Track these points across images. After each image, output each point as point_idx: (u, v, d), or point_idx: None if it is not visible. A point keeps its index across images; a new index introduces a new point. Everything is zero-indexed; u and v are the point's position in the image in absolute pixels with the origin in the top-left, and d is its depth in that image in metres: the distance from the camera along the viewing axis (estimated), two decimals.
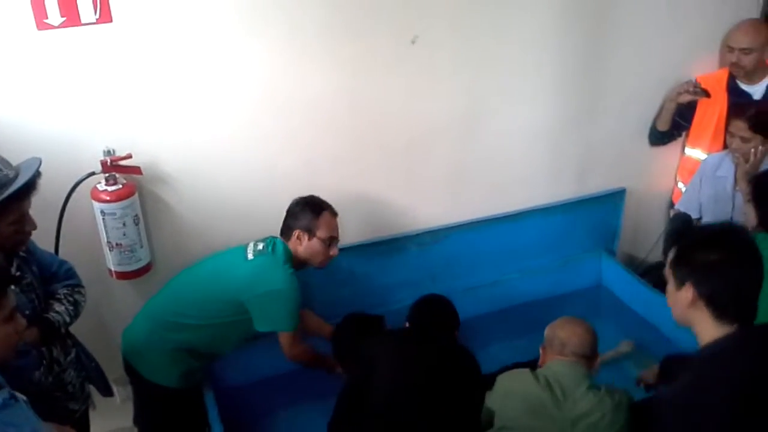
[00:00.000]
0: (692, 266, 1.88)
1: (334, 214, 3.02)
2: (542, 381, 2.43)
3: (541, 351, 2.66)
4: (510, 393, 2.49)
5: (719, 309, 1.83)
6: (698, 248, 1.89)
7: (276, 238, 3.02)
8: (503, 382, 2.56)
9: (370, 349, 2.77)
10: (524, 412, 2.39)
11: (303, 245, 2.95)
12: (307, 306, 3.28)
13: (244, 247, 2.96)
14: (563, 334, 2.56)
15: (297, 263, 2.98)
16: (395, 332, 2.95)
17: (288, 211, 3.00)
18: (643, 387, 2.81)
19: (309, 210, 2.96)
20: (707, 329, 1.86)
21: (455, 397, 2.58)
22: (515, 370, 2.60)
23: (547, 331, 2.64)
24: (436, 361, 2.67)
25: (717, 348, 1.82)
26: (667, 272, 1.97)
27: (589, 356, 2.53)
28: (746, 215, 2.98)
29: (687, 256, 1.91)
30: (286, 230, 2.98)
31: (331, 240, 3.00)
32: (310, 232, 2.94)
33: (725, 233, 1.95)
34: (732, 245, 1.87)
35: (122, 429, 3.31)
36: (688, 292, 1.86)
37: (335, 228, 3.02)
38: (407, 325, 2.94)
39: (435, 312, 2.93)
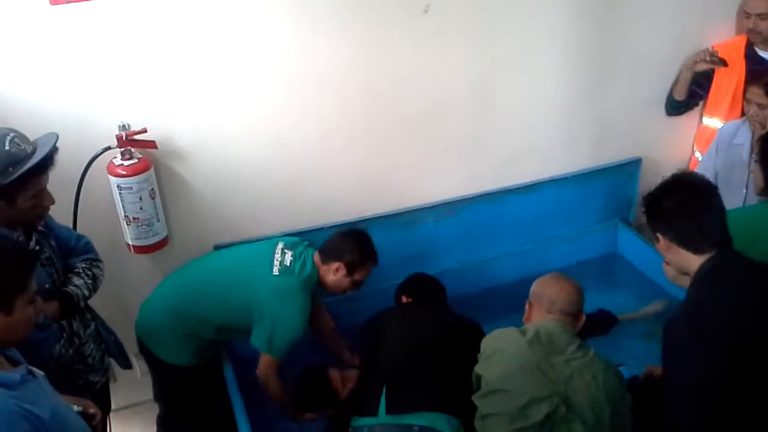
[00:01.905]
0: (654, 218, 2.19)
1: (375, 264, 3.05)
2: (530, 336, 2.39)
3: (527, 306, 2.63)
4: (497, 352, 2.44)
5: (691, 244, 2.10)
6: (654, 202, 2.19)
7: (309, 248, 3.00)
8: (488, 342, 2.52)
9: (376, 325, 2.90)
10: (516, 371, 2.34)
11: (336, 277, 2.95)
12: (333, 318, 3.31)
13: (272, 252, 2.92)
14: (552, 291, 2.54)
15: (321, 284, 2.99)
16: (395, 307, 3.10)
17: (340, 236, 2.99)
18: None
19: (361, 252, 2.96)
20: (692, 264, 2.11)
21: (462, 356, 2.63)
22: (499, 330, 2.55)
23: (535, 287, 2.62)
24: (441, 323, 2.83)
25: (707, 266, 2.08)
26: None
27: (575, 314, 2.52)
28: (754, 177, 2.94)
29: (649, 212, 2.21)
30: (329, 254, 2.95)
31: (360, 284, 3.03)
32: (350, 271, 2.95)
33: (672, 182, 2.25)
34: (680, 188, 2.18)
35: (143, 402, 3.36)
36: (662, 241, 2.16)
37: (369, 275, 3.05)
38: (404, 299, 3.12)
39: (430, 286, 3.19)
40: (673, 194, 2.17)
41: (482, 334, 2.67)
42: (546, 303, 2.53)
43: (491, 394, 2.38)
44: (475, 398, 2.44)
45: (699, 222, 2.09)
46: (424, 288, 3.19)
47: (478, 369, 2.48)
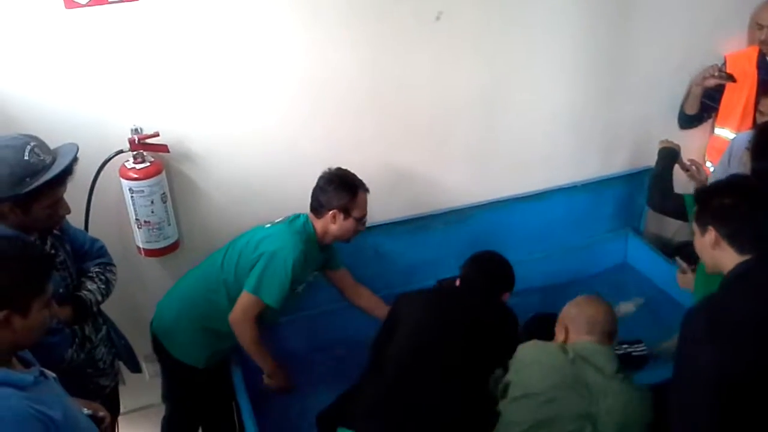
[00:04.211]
0: (711, 211, 2.16)
1: (366, 190, 2.99)
2: (572, 356, 2.42)
3: (556, 329, 2.64)
4: (536, 363, 2.46)
5: (740, 244, 2.10)
6: (714, 195, 2.19)
7: (300, 214, 3.00)
8: (528, 352, 2.53)
9: (398, 306, 2.83)
10: (554, 383, 2.38)
11: (337, 224, 2.92)
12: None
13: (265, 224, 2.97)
14: (591, 311, 2.56)
15: (326, 240, 2.97)
16: (425, 290, 3.05)
17: (319, 188, 2.94)
18: None
19: (345, 190, 2.91)
20: (729, 263, 2.11)
21: (477, 354, 2.61)
22: (538, 342, 2.57)
23: (569, 309, 2.64)
24: (459, 318, 2.72)
25: (742, 268, 2.08)
26: (694, 226, 2.23)
27: (613, 333, 2.54)
28: (743, 163, 2.96)
29: (706, 203, 2.20)
30: (319, 207, 2.92)
31: (364, 217, 2.99)
32: (346, 212, 2.92)
33: (735, 182, 2.33)
34: (743, 190, 2.19)
35: (151, 405, 3.37)
36: (711, 234, 2.14)
37: (366, 205, 3.00)
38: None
39: (485, 270, 2.98)
40: (739, 194, 2.16)
41: (514, 337, 2.68)
42: (584, 324, 2.53)
43: (519, 399, 2.41)
44: (503, 405, 2.46)
45: (759, 227, 2.10)
46: (479, 270, 2.99)
47: (511, 375, 2.49)
